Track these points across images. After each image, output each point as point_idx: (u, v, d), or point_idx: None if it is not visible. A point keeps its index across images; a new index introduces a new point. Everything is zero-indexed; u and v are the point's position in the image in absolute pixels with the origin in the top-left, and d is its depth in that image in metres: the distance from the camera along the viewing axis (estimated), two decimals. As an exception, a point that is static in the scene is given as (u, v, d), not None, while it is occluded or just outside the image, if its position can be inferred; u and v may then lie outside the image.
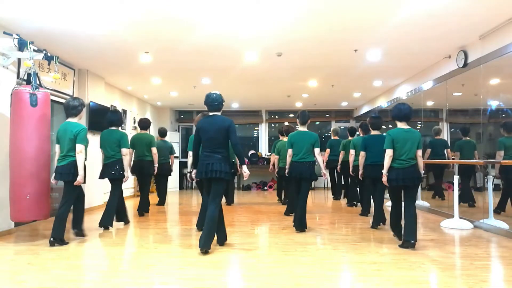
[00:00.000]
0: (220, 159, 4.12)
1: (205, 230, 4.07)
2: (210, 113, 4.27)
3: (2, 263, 3.75)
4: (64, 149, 4.45)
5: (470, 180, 6.48)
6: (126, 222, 5.72)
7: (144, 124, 6.77)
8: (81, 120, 6.81)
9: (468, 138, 6.57)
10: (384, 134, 4.81)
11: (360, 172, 5.62)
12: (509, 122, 5.56)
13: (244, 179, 4.31)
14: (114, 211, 5.42)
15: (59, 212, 4.43)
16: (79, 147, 4.39)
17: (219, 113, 4.27)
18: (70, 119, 4.55)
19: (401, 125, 4.43)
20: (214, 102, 4.21)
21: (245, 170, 4.27)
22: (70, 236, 4.68)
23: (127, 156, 5.42)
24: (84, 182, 4.53)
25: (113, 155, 5.35)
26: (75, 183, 4.40)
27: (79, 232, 4.79)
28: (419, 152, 4.35)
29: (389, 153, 4.34)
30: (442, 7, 4.37)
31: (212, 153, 4.14)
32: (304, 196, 5.19)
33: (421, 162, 4.38)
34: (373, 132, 5.52)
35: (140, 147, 6.38)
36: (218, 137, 4.13)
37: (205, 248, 3.98)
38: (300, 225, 5.16)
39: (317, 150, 5.18)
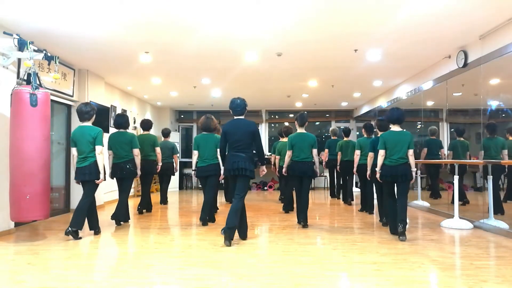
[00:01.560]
0: (245, 158, 4.52)
1: (240, 221, 4.51)
2: (235, 117, 4.67)
3: (2, 263, 3.75)
4: (84, 151, 4.73)
5: (462, 180, 6.53)
6: (126, 220, 5.86)
7: (146, 125, 7.01)
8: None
9: (461, 139, 6.66)
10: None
11: (368, 173, 5.67)
12: (491, 124, 5.70)
13: (260, 176, 4.85)
14: (127, 206, 5.77)
15: (80, 205, 4.75)
16: (99, 148, 4.76)
17: (242, 117, 4.68)
18: (84, 123, 4.84)
19: (394, 127, 4.91)
20: (237, 107, 4.63)
21: (264, 169, 4.87)
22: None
23: (139, 156, 5.77)
24: (105, 179, 4.94)
25: (126, 155, 5.65)
26: (97, 182, 4.77)
27: (97, 230, 5.00)
28: (410, 152, 4.78)
29: (381, 153, 4.87)
30: (442, 7, 4.37)
31: (237, 153, 4.54)
32: (307, 192, 5.62)
33: (412, 161, 4.80)
34: (381, 134, 5.54)
35: (145, 147, 6.55)
36: (243, 139, 4.54)
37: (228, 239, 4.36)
38: (306, 219, 5.45)
39: (315, 151, 5.61)
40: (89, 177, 4.72)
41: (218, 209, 6.95)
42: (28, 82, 4.71)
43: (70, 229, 4.60)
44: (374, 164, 5.26)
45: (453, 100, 6.72)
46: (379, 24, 4.90)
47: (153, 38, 5.45)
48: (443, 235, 5.01)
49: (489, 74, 5.42)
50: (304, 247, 4.31)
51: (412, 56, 6.34)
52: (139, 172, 5.79)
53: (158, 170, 6.91)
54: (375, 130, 6.44)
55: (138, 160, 5.74)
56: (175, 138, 11.67)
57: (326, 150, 8.54)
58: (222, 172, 5.60)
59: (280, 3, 4.31)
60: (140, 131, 7.12)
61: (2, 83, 4.89)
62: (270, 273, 3.35)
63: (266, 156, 11.88)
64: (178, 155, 7.88)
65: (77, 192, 6.96)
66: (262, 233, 5.19)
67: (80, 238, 4.67)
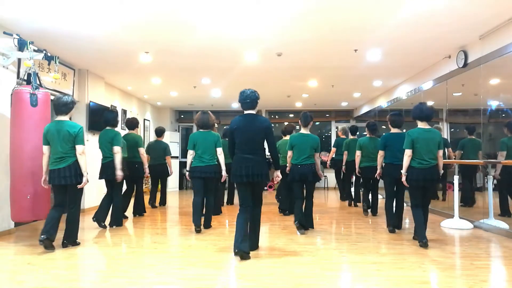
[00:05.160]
0: (258, 162, 3.90)
1: (252, 232, 3.99)
2: (245, 112, 4.00)
3: (2, 263, 3.75)
4: (60, 151, 4.12)
5: (472, 181, 6.31)
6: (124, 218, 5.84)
7: (130, 124, 6.36)
8: (81, 120, 6.91)
9: (473, 137, 6.30)
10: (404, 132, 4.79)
11: (378, 171, 5.49)
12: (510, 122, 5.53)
13: (274, 183, 4.08)
14: (121, 209, 5.63)
15: (70, 217, 4.26)
16: (81, 148, 4.15)
17: (254, 112, 3.99)
18: (60, 118, 4.23)
19: (421, 125, 4.41)
20: (246, 99, 3.93)
21: (278, 174, 4.14)
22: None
23: (119, 154, 5.24)
24: (88, 182, 4.30)
25: (110, 155, 5.29)
26: (80, 186, 4.18)
27: (74, 242, 4.37)
28: (440, 153, 4.36)
29: (408, 153, 4.34)
30: (442, 7, 4.37)
31: (250, 155, 3.88)
32: (311, 197, 5.22)
33: (441, 162, 4.39)
34: (393, 130, 5.26)
35: (130, 148, 5.94)
36: (256, 138, 3.90)
37: (251, 250, 3.86)
38: (310, 224, 5.22)
39: (317, 154, 5.13)
40: (70, 180, 4.09)
41: (221, 212, 6.79)
42: (28, 82, 4.72)
43: (65, 241, 4.16)
44: (402, 166, 4.53)
45: (453, 100, 6.72)
46: (379, 24, 4.90)
47: (153, 38, 5.45)
48: (443, 235, 5.01)
49: (489, 74, 5.42)
50: (304, 247, 4.31)
51: (412, 56, 6.34)
52: (119, 173, 5.18)
53: (146, 174, 6.25)
54: (384, 127, 6.20)
55: (118, 158, 5.17)
56: (175, 138, 11.68)
57: (334, 149, 8.11)
58: (224, 173, 5.29)
59: (280, 3, 4.31)
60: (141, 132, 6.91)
61: (2, 83, 4.89)
62: (270, 273, 3.35)
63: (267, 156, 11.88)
64: (171, 155, 7.34)
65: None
66: (262, 233, 5.18)
67: (79, 243, 4.37)
